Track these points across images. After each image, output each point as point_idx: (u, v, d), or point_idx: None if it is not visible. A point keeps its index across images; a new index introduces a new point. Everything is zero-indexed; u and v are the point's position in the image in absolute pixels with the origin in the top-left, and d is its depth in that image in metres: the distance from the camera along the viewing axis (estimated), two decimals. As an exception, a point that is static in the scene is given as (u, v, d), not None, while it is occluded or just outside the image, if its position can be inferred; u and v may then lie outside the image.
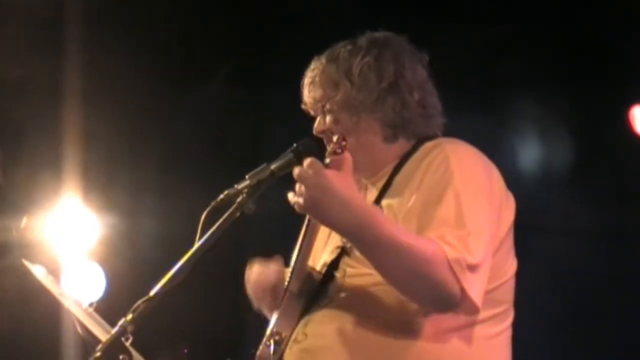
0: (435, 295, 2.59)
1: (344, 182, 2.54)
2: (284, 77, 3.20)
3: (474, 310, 2.63)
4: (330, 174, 2.53)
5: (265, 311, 3.04)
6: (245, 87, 5.79)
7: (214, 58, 5.77)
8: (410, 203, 2.72)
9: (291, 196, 2.56)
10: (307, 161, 2.54)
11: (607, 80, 5.16)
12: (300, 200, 2.53)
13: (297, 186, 2.54)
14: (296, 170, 2.54)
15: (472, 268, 2.58)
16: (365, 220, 2.54)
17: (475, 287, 2.59)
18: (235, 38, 5.67)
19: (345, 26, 5.00)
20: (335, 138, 2.59)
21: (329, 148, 2.60)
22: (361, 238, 2.57)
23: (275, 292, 2.97)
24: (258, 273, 3.03)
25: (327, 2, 5.38)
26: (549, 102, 5.37)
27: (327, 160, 2.57)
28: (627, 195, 5.25)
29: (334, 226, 2.62)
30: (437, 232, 2.60)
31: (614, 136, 5.22)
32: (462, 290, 2.56)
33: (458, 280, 2.54)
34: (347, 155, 2.58)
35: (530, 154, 5.51)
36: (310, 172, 2.52)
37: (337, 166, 2.57)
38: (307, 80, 2.98)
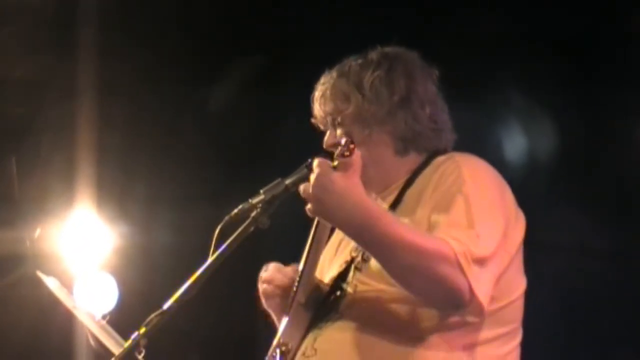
0: (443, 291, 2.57)
1: (347, 182, 2.55)
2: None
3: (480, 310, 2.61)
4: (333, 174, 2.55)
5: (271, 311, 3.02)
6: (260, 97, 5.77)
7: (230, 65, 5.76)
8: (422, 214, 2.72)
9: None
10: (315, 161, 2.58)
11: (611, 87, 5.10)
12: (308, 204, 2.57)
13: (304, 188, 2.58)
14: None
15: (480, 261, 2.57)
16: (369, 219, 2.55)
17: (482, 283, 2.57)
18: (254, 44, 5.65)
19: (345, 25, 5.02)
20: (343, 141, 2.58)
21: (337, 151, 2.59)
22: (366, 236, 2.59)
23: (285, 293, 2.94)
24: (273, 271, 3.00)
25: (327, 3, 5.37)
26: (550, 108, 5.32)
27: (335, 163, 2.57)
28: (633, 210, 5.20)
29: (338, 225, 2.66)
30: (445, 232, 2.60)
31: (621, 149, 5.17)
32: (469, 286, 2.55)
33: (465, 275, 2.54)
34: (355, 157, 2.58)
35: (533, 167, 5.45)
36: (316, 171, 2.56)
37: (344, 169, 2.57)
38: (317, 94, 2.97)
